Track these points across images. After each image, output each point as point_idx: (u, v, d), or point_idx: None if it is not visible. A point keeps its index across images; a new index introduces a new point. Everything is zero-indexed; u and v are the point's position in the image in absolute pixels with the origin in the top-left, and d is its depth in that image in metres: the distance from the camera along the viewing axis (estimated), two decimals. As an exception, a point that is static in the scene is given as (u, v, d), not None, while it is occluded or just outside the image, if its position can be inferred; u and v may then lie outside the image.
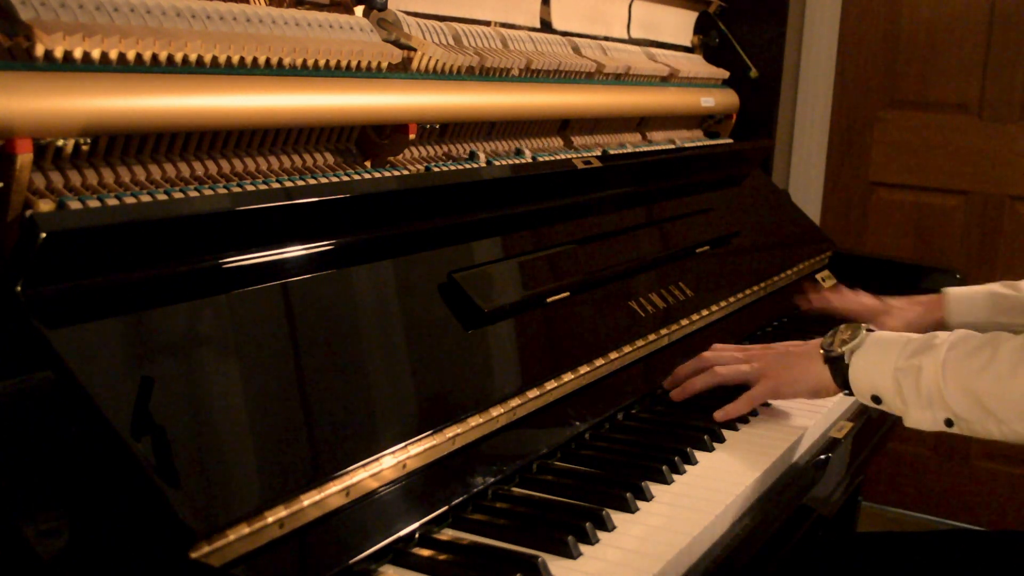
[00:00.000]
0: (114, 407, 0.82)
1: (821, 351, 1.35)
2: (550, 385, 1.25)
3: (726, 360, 1.43)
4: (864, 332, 1.33)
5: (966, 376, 1.23)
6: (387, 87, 1.37)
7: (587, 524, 1.01)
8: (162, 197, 1.04)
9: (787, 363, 1.38)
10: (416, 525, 0.98)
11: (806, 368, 1.36)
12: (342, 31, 1.32)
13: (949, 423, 1.25)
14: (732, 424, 1.35)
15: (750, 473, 1.20)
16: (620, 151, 1.91)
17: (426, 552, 0.97)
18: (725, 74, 2.43)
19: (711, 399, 1.45)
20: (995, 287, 1.73)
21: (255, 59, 1.18)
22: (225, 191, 1.12)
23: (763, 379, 1.38)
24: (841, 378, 1.33)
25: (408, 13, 1.46)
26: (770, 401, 1.42)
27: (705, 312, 1.67)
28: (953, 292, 1.76)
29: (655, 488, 1.13)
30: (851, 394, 1.34)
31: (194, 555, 0.80)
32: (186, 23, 1.12)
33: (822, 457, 1.34)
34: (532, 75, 1.69)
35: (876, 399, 1.30)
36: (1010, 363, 1.21)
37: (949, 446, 3.05)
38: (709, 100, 2.29)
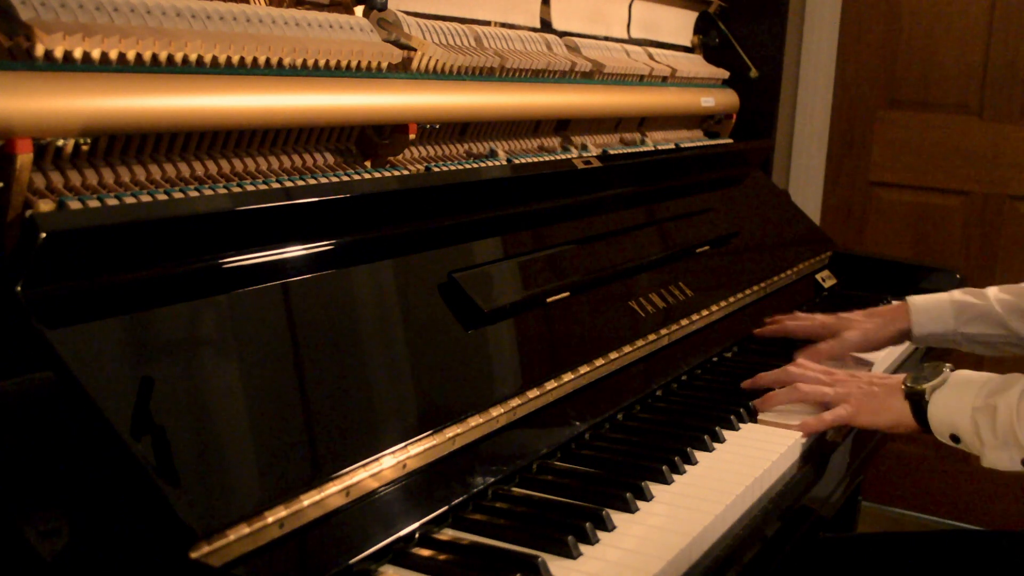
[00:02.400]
0: (114, 407, 0.82)
1: (903, 387, 1.35)
2: (550, 385, 1.25)
3: (810, 379, 1.44)
4: (947, 371, 1.33)
5: None
6: (387, 87, 1.37)
7: (587, 524, 1.01)
8: (162, 197, 1.04)
9: (870, 393, 1.38)
10: (416, 525, 0.98)
11: (887, 402, 1.36)
12: (342, 31, 1.32)
13: None
14: (733, 424, 1.35)
15: (750, 473, 1.20)
16: (620, 151, 1.91)
17: (426, 552, 0.97)
18: (725, 74, 2.43)
19: (710, 401, 1.45)
20: (958, 295, 1.70)
21: (255, 59, 1.18)
22: (225, 191, 1.12)
23: (844, 404, 1.38)
24: (921, 416, 1.33)
25: (408, 13, 1.46)
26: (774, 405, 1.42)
27: (705, 312, 1.67)
28: (917, 301, 1.72)
29: (655, 488, 1.13)
30: (929, 432, 1.33)
31: (194, 555, 0.80)
32: (186, 23, 1.12)
33: (822, 457, 1.34)
34: (532, 75, 1.69)
35: (955, 438, 1.31)
36: None
37: (949, 446, 3.05)
38: (709, 100, 2.29)
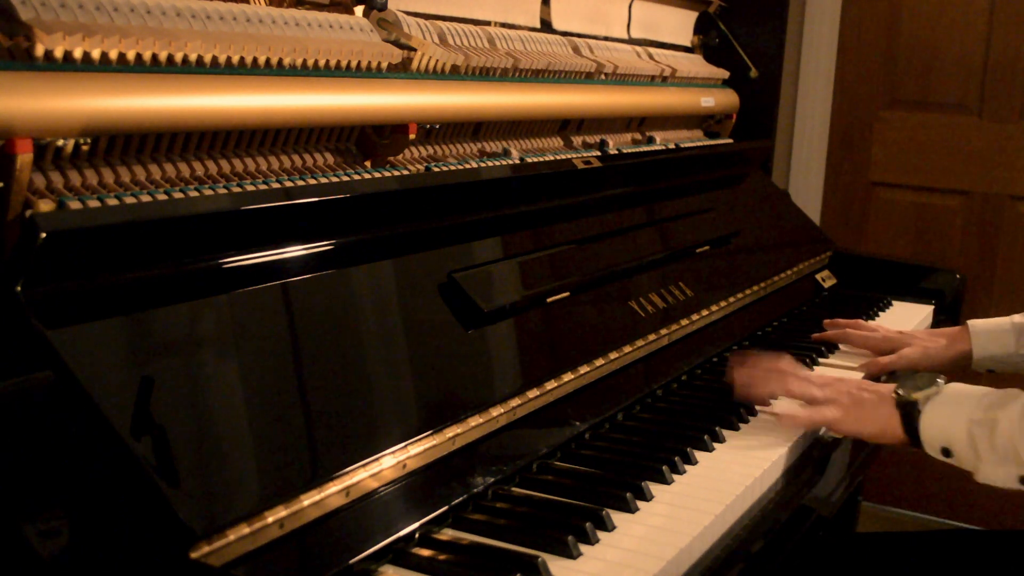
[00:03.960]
0: (114, 407, 0.82)
1: (894, 395, 1.31)
2: (550, 385, 1.25)
3: (801, 376, 1.42)
4: (940, 382, 1.30)
5: None
6: (387, 87, 1.37)
7: (587, 524, 1.01)
8: (162, 197, 1.04)
9: (859, 400, 1.34)
10: (416, 525, 0.98)
11: (875, 410, 1.32)
12: (342, 31, 1.32)
13: (1023, 481, 1.21)
14: (733, 424, 1.35)
15: (750, 473, 1.20)
16: (620, 151, 1.91)
17: (426, 552, 0.97)
18: (725, 74, 2.43)
19: (710, 401, 1.45)
20: (1019, 318, 1.69)
21: (255, 59, 1.18)
22: (225, 191, 1.12)
23: (831, 406, 1.35)
24: (910, 426, 1.28)
25: (408, 13, 1.46)
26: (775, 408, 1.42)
27: (705, 312, 1.67)
28: (978, 324, 1.71)
29: (655, 488, 1.13)
30: (916, 445, 1.28)
31: (194, 555, 0.80)
32: (186, 23, 1.12)
33: (822, 457, 1.34)
34: (532, 75, 1.69)
35: (946, 452, 1.26)
36: None
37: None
38: (709, 100, 2.29)
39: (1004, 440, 1.20)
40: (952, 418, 1.25)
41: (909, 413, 1.28)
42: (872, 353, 1.72)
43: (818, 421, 1.35)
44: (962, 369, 1.69)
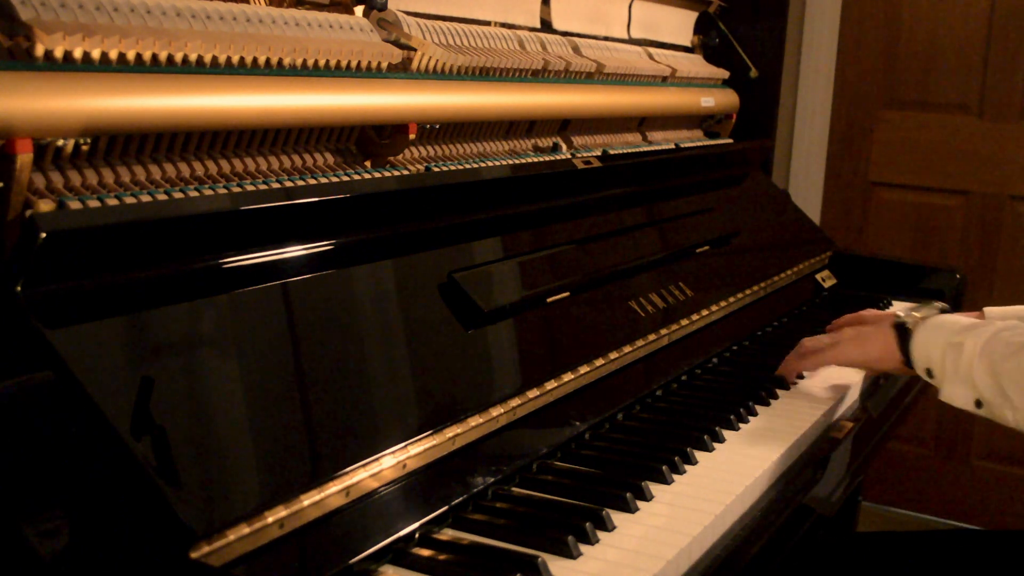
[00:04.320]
0: (114, 407, 0.82)
1: (894, 320, 1.42)
2: (550, 385, 1.25)
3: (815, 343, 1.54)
4: (936, 310, 1.41)
5: (996, 359, 1.26)
6: (387, 87, 1.37)
7: (587, 524, 1.01)
8: (162, 197, 1.04)
9: (860, 332, 1.46)
10: (416, 525, 0.98)
11: (876, 335, 1.43)
12: (342, 31, 1.32)
13: (979, 404, 1.29)
14: (733, 424, 1.35)
15: (750, 473, 1.20)
16: (621, 151, 1.91)
17: (426, 552, 0.97)
18: (725, 74, 2.43)
19: (710, 401, 1.45)
20: None
21: (255, 59, 1.18)
22: (225, 191, 1.12)
23: (837, 345, 1.47)
24: (904, 348, 1.39)
25: (408, 13, 1.46)
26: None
27: (705, 312, 1.67)
28: (995, 311, 1.70)
29: (655, 488, 1.13)
30: (910, 365, 1.39)
31: (194, 555, 0.80)
32: (186, 23, 1.12)
33: (822, 457, 1.34)
34: (532, 75, 1.69)
35: (929, 373, 1.36)
36: None
37: (949, 446, 3.05)
38: (709, 100, 2.29)
39: (965, 362, 1.29)
40: (934, 340, 1.35)
41: (903, 336, 1.40)
42: None
43: (828, 358, 1.48)
44: None
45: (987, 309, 1.74)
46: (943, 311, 1.41)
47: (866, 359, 1.46)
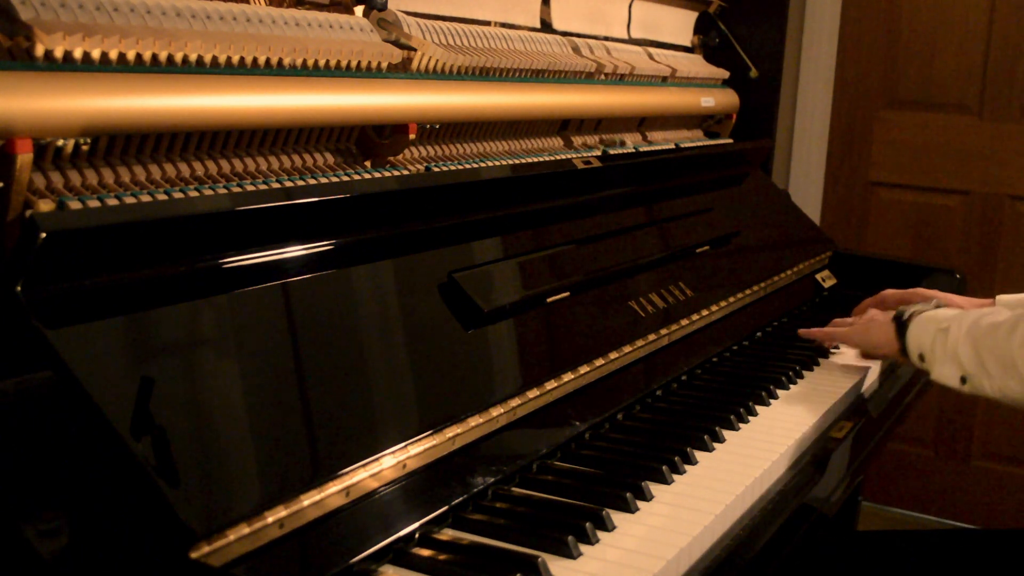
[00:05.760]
0: (114, 407, 0.82)
1: (894, 316, 1.54)
2: (550, 385, 1.25)
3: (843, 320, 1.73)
4: (933, 304, 1.54)
5: (977, 335, 1.37)
6: (387, 87, 1.37)
7: (587, 524, 1.01)
8: (162, 197, 1.04)
9: (871, 321, 1.62)
10: (416, 525, 0.98)
11: (880, 327, 1.57)
12: (342, 31, 1.32)
13: (963, 380, 1.39)
14: (733, 424, 1.35)
15: (750, 473, 1.20)
16: (620, 151, 1.91)
17: (426, 552, 0.97)
18: (725, 74, 2.43)
19: (710, 401, 1.45)
20: None
21: (255, 59, 1.18)
22: (225, 191, 1.12)
23: (849, 328, 1.67)
24: (901, 337, 1.51)
25: (408, 13, 1.46)
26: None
27: (705, 312, 1.67)
28: (1007, 299, 1.72)
29: (655, 488, 1.13)
30: (907, 355, 1.50)
31: (194, 555, 0.80)
32: (186, 23, 1.12)
33: (822, 457, 1.34)
34: (532, 75, 1.69)
35: (921, 357, 1.47)
36: (1010, 324, 1.33)
37: (949, 446, 3.05)
38: (709, 100, 2.29)
39: (951, 342, 1.41)
40: (925, 328, 1.47)
41: (900, 326, 1.52)
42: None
43: (837, 336, 1.68)
44: None
45: (999, 297, 1.76)
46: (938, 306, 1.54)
47: (867, 345, 1.63)
